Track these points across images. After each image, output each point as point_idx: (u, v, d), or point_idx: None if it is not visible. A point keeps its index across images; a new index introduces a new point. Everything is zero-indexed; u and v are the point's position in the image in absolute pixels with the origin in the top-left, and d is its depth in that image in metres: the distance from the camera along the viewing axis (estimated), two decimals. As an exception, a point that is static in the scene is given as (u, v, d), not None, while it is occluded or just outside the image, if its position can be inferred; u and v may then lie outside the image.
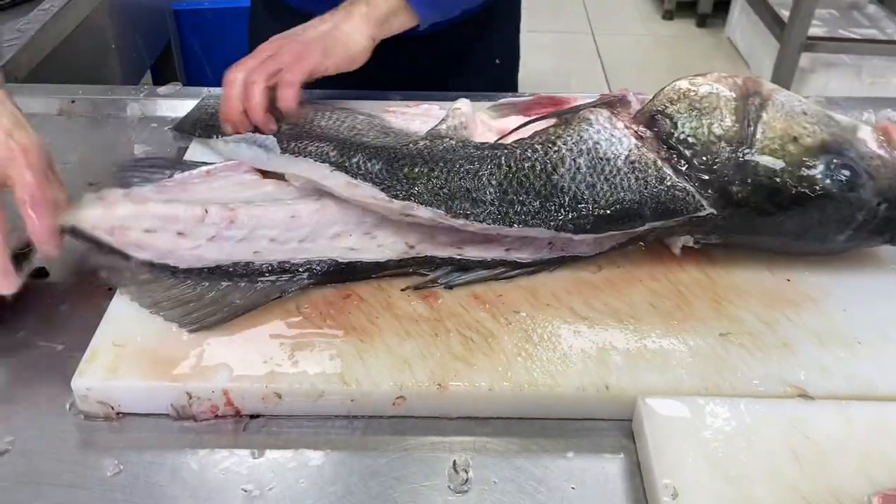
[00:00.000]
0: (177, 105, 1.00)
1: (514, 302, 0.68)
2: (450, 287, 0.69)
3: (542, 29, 3.31)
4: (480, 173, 0.69)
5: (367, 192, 0.68)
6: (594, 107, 0.72)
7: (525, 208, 0.68)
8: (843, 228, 0.68)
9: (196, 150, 0.85)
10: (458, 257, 0.70)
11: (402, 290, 0.68)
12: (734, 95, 0.69)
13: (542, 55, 3.09)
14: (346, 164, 0.70)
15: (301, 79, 0.76)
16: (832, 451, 0.55)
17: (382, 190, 0.68)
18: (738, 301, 0.68)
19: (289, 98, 0.76)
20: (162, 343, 0.63)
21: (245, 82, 0.77)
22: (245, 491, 0.56)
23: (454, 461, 0.58)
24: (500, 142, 0.73)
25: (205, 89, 1.02)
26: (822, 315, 0.67)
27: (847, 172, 0.66)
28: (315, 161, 0.72)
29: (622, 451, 0.59)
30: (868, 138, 0.69)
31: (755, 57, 3.04)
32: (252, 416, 0.62)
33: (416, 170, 0.69)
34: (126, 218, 0.68)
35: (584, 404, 0.61)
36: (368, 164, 0.70)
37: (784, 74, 2.47)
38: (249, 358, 0.62)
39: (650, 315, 0.66)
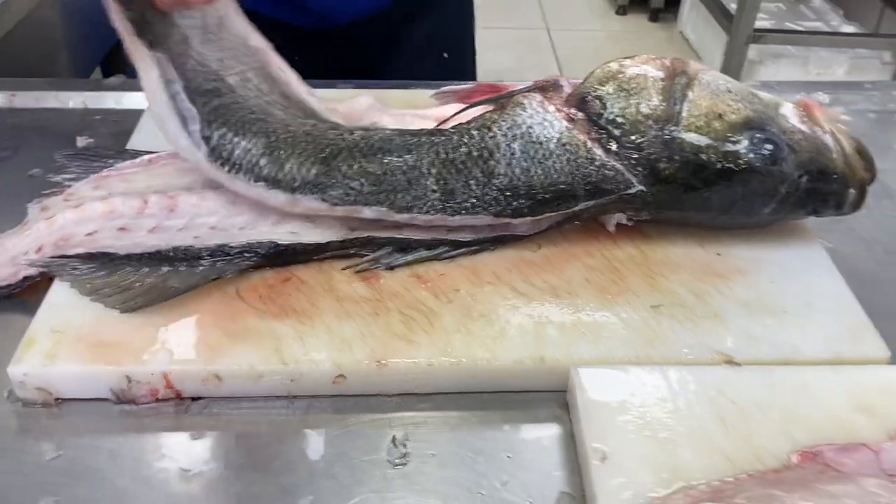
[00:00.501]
0: (121, 97, 0.99)
1: (456, 281, 0.69)
2: (391, 268, 0.70)
3: (497, 25, 3.33)
4: (420, 163, 0.70)
5: (310, 205, 0.68)
6: (528, 91, 0.73)
7: (466, 196, 0.69)
8: (768, 201, 0.70)
9: (140, 139, 0.85)
10: (400, 237, 0.71)
11: (342, 269, 0.69)
12: (661, 75, 0.71)
13: (498, 51, 3.11)
14: (281, 178, 0.68)
15: None
16: (756, 414, 0.57)
17: (324, 200, 0.68)
18: (670, 275, 0.70)
19: None
20: (101, 328, 0.63)
21: None
22: (184, 471, 0.57)
23: (394, 436, 0.59)
24: (438, 127, 0.74)
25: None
26: (750, 287, 0.69)
27: (770, 146, 0.69)
28: (248, 179, 0.68)
29: (557, 421, 0.61)
30: (790, 114, 0.71)
31: (706, 50, 3.10)
32: (193, 399, 0.62)
33: (356, 167, 0.69)
34: (67, 227, 0.68)
35: (521, 376, 0.62)
36: (304, 171, 0.68)
37: (733, 66, 2.53)
38: (189, 341, 0.62)
39: (586, 290, 0.68)
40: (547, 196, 0.69)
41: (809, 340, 0.64)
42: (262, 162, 0.68)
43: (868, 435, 0.56)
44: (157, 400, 0.62)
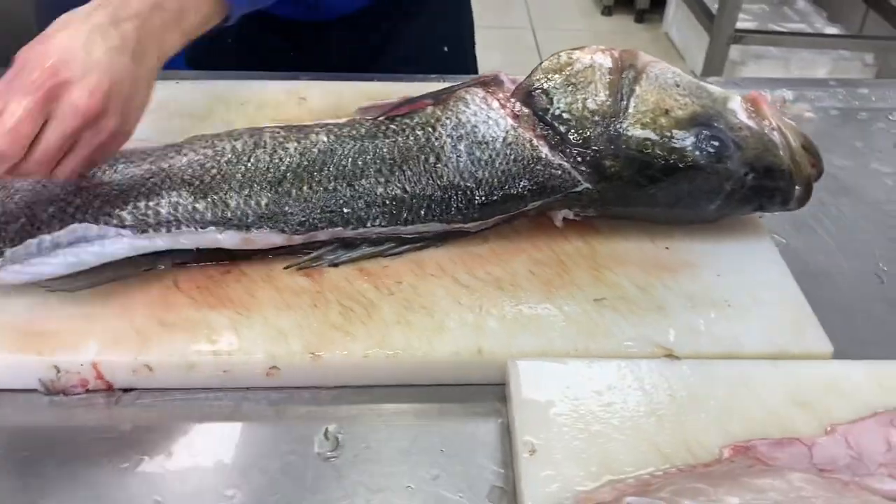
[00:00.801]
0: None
1: (399, 273, 0.68)
2: (335, 265, 0.69)
3: (482, 24, 3.32)
4: (367, 172, 0.68)
5: (267, 240, 0.67)
6: (469, 87, 0.72)
7: (417, 206, 0.68)
8: (714, 198, 0.69)
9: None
10: (345, 236, 0.70)
11: (284, 268, 0.68)
12: (610, 68, 0.70)
13: (482, 50, 3.10)
14: (230, 216, 0.65)
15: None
16: (692, 407, 0.56)
17: (280, 231, 0.66)
18: (616, 268, 0.69)
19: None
20: (32, 318, 0.62)
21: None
22: (113, 464, 0.55)
23: (326, 429, 0.58)
24: (376, 123, 0.72)
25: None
26: (696, 280, 0.68)
27: (715, 143, 0.67)
28: (194, 228, 0.65)
29: (496, 415, 0.60)
30: (738, 109, 0.70)
31: (689, 51, 3.10)
32: (125, 390, 0.61)
33: (305, 189, 0.67)
34: None
35: (459, 369, 0.61)
36: (253, 204, 0.66)
37: (715, 67, 2.52)
38: (121, 331, 0.61)
39: (530, 282, 0.67)
40: (495, 198, 0.69)
41: (752, 334, 0.63)
42: (201, 206, 0.65)
43: (804, 430, 0.55)
44: (88, 391, 0.60)
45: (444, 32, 1.16)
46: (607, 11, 3.60)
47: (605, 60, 0.71)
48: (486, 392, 0.61)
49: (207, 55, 1.04)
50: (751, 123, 0.69)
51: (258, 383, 0.61)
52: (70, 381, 0.60)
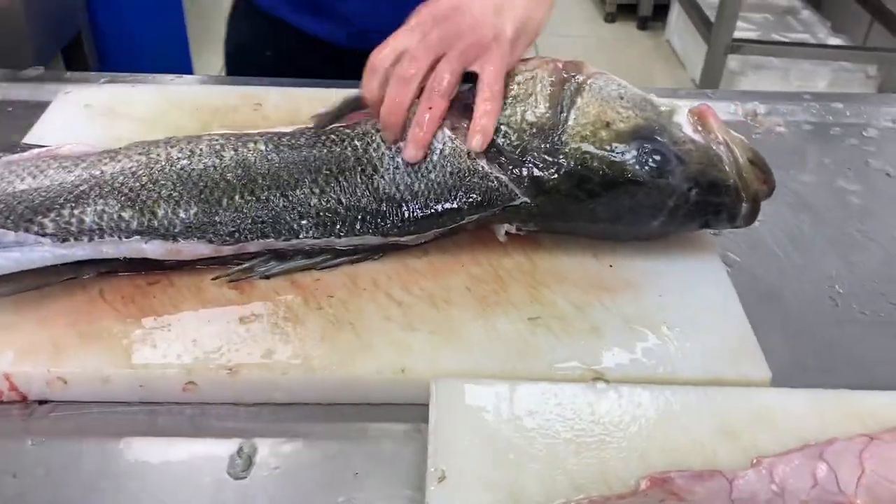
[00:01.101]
0: (37, 89, 0.97)
1: (331, 287, 0.66)
2: (266, 277, 0.67)
3: (483, 29, 3.30)
4: (302, 183, 0.67)
5: (194, 251, 0.65)
6: None
7: (352, 218, 0.67)
8: (657, 214, 0.67)
9: (40, 132, 0.82)
10: (276, 247, 0.68)
11: (212, 279, 0.66)
12: (552, 80, 0.69)
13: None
14: (157, 225, 0.64)
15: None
16: (616, 435, 0.54)
17: (208, 241, 0.65)
18: (555, 286, 0.67)
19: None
20: (-53, 327, 0.60)
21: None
22: (15, 478, 0.54)
23: (241, 447, 0.57)
24: (317, 133, 0.71)
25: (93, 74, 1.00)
26: (636, 301, 0.66)
27: (657, 158, 0.65)
28: (118, 237, 0.63)
29: (418, 436, 0.58)
30: (683, 122, 0.68)
31: (689, 59, 3.07)
32: (40, 402, 0.60)
33: (237, 199, 0.66)
34: None
35: (382, 388, 0.59)
36: (181, 214, 0.64)
37: (712, 75, 2.50)
38: (38, 341, 0.60)
39: (464, 299, 0.65)
40: (431, 212, 0.67)
41: (686, 359, 0.61)
42: (127, 215, 0.64)
43: (729, 462, 0.53)
44: (2, 402, 0.59)
45: None
46: (610, 18, 3.58)
47: (547, 72, 0.69)
48: (411, 412, 0.59)
49: (245, 68, 1.03)
50: (696, 137, 0.67)
51: (175, 398, 0.59)
52: (-17, 391, 0.58)
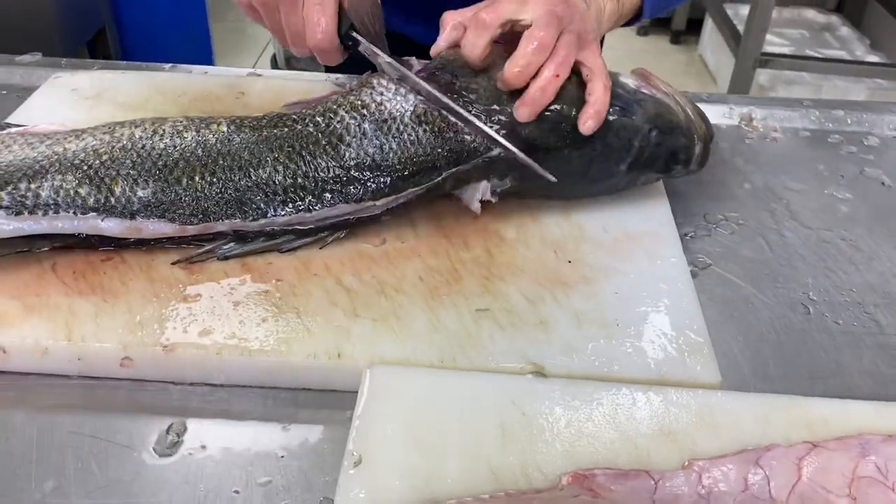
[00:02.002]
0: (30, 74, 0.99)
1: (281, 270, 0.66)
2: (224, 258, 0.67)
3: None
4: (265, 163, 0.67)
5: (156, 230, 0.65)
6: (374, 73, 0.71)
7: (321, 189, 0.67)
8: (624, 156, 0.71)
9: (23, 114, 0.84)
10: (238, 229, 0.68)
11: (172, 263, 0.66)
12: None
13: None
14: (114, 203, 0.64)
15: None
16: (543, 428, 0.52)
17: (170, 221, 0.65)
18: (510, 279, 0.66)
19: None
20: None
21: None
22: (-57, 444, 0.54)
23: (171, 424, 0.56)
24: (279, 115, 0.71)
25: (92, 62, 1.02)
26: (591, 297, 0.64)
27: (619, 102, 0.70)
28: (73, 213, 0.64)
29: (349, 423, 0.57)
30: (629, 81, 0.74)
31: (721, 73, 3.02)
32: (-18, 372, 0.60)
33: (197, 178, 0.66)
34: None
35: (316, 372, 0.58)
36: (139, 192, 0.64)
37: (740, 89, 2.45)
38: (-18, 311, 0.60)
39: (415, 289, 0.64)
40: (407, 171, 0.67)
41: (633, 358, 0.59)
42: (83, 191, 0.64)
43: (663, 463, 0.51)
44: (-55, 370, 0.60)
45: None
46: (643, 31, 3.55)
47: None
48: (347, 399, 0.58)
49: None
50: (645, 90, 0.73)
51: (114, 373, 0.59)
52: (-75, 358, 0.59)
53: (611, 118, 0.69)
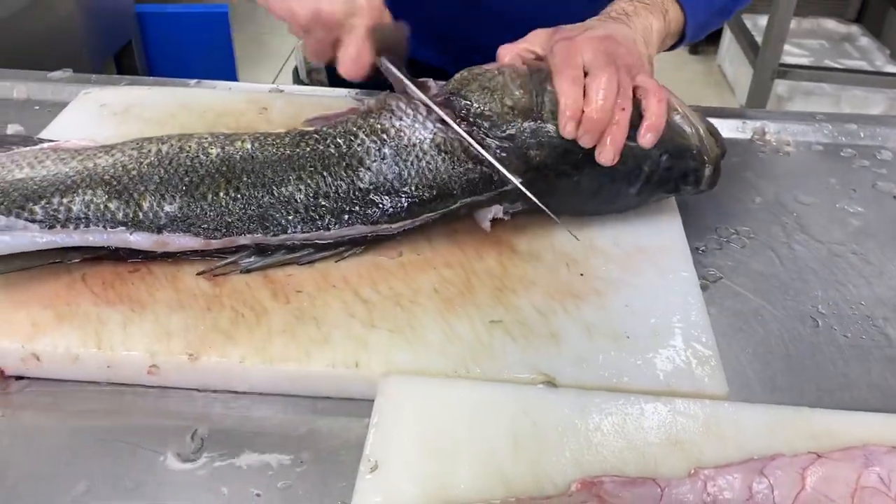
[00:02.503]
0: (62, 90, 1.02)
1: (301, 282, 0.68)
2: (247, 271, 0.69)
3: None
4: (287, 180, 0.69)
5: (181, 244, 0.68)
6: (392, 94, 0.73)
7: (340, 209, 0.69)
8: (634, 181, 0.72)
9: (54, 130, 0.87)
10: (260, 243, 0.70)
11: (197, 274, 0.68)
12: (518, 73, 0.72)
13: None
14: (142, 217, 0.67)
15: None
16: (555, 437, 0.54)
17: (195, 235, 0.67)
18: (522, 291, 0.67)
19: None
20: (-65, 302, 0.64)
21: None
22: (-20, 447, 0.57)
23: (195, 431, 0.59)
24: (301, 133, 0.73)
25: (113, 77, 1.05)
26: (601, 309, 0.66)
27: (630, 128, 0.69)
28: (103, 227, 0.66)
29: (366, 431, 0.59)
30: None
31: (739, 85, 3.02)
32: (17, 378, 0.63)
33: (221, 194, 0.68)
34: None
35: (335, 381, 0.60)
36: (166, 207, 0.67)
37: (758, 100, 2.45)
38: (17, 320, 0.63)
39: (430, 300, 0.66)
40: (424, 197, 0.69)
41: (644, 370, 0.60)
42: (113, 206, 0.67)
43: (670, 472, 0.52)
44: (-19, 376, 0.62)
45: None
46: (661, 42, 3.55)
47: (512, 69, 0.73)
48: (364, 407, 0.60)
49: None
50: None
51: (141, 381, 0.62)
52: (-37, 364, 0.62)
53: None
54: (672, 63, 3.46)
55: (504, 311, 0.65)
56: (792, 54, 2.81)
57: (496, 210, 0.72)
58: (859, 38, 3.11)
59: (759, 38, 2.63)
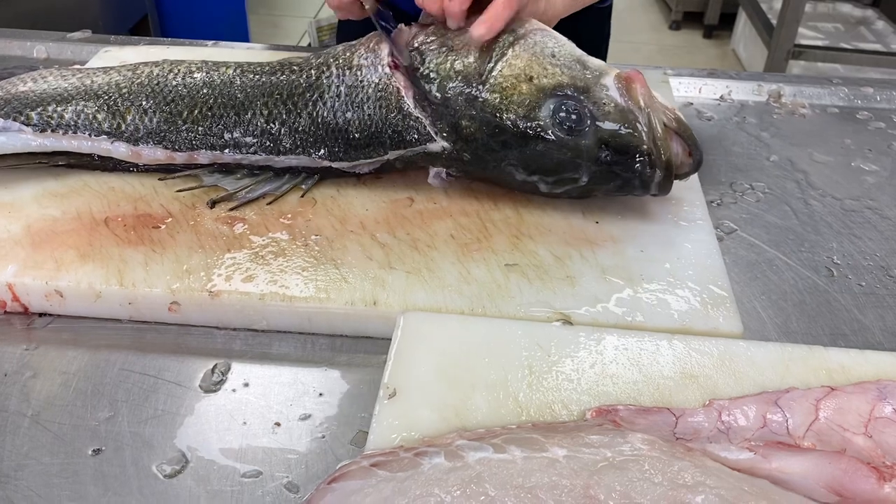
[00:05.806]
0: (81, 49, 1.04)
1: (320, 227, 0.69)
2: (250, 201, 0.72)
3: (544, 33, 3.31)
4: (253, 105, 0.72)
5: (151, 155, 0.73)
6: (375, 35, 0.74)
7: (292, 140, 0.71)
8: (577, 171, 0.67)
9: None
10: (216, 161, 0.73)
11: (159, 179, 0.73)
12: (486, 44, 0.70)
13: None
14: (123, 129, 0.72)
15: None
16: (568, 370, 0.54)
17: (165, 147, 0.72)
18: (538, 237, 0.68)
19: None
20: (-37, 241, 0.65)
21: None
22: (6, 376, 0.58)
23: (215, 364, 0.60)
24: (285, 62, 0.75)
25: (112, 37, 1.06)
26: (616, 254, 0.66)
27: (571, 117, 0.66)
28: (88, 135, 0.72)
29: (384, 367, 0.60)
30: (609, 85, 0.67)
31: (754, 68, 3.00)
32: (41, 315, 0.64)
33: (196, 113, 0.72)
34: None
35: (353, 319, 0.61)
36: (146, 120, 0.72)
37: (772, 82, 2.43)
38: (40, 259, 0.64)
39: (447, 245, 0.67)
40: (359, 141, 0.71)
41: (659, 310, 0.61)
42: (101, 117, 0.72)
43: (682, 402, 0.53)
44: (6, 312, 0.64)
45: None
46: (675, 26, 3.54)
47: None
48: (381, 345, 0.61)
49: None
50: (618, 100, 0.67)
51: (162, 318, 0.63)
52: (-11, 300, 0.63)
53: (553, 136, 0.66)
54: (686, 47, 3.45)
55: (520, 255, 0.66)
56: (807, 37, 2.79)
57: (437, 172, 0.72)
58: (875, 21, 3.08)
59: (774, 21, 2.62)
